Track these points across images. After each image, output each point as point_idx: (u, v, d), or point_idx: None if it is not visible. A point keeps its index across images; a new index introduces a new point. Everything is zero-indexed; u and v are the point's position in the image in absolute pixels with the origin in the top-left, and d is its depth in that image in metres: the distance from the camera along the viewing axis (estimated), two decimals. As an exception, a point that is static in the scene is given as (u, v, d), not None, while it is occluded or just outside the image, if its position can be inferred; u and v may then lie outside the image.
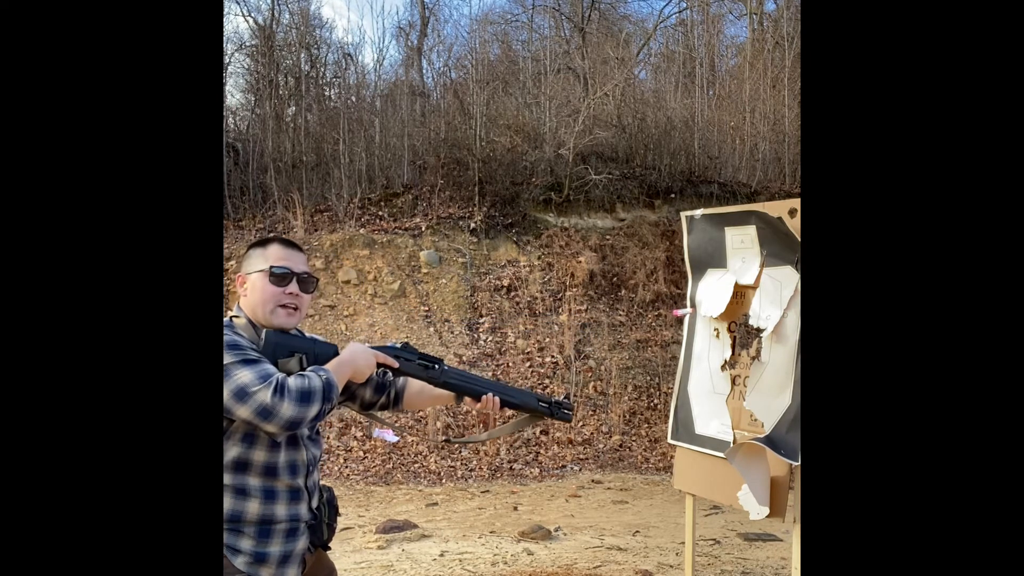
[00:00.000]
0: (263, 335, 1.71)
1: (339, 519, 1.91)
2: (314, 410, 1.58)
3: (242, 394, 1.54)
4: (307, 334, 1.92)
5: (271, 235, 2.17)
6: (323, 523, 1.80)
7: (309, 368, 1.66)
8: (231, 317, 1.77)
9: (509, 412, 2.01)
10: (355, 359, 1.75)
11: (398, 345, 1.89)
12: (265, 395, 1.53)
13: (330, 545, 1.86)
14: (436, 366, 1.90)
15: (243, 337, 1.69)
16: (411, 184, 10.74)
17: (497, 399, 1.94)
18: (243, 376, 1.55)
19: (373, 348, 1.82)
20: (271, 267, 1.74)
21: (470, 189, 10.16)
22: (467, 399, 1.96)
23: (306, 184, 10.69)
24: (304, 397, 1.57)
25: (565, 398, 2.14)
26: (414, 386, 2.02)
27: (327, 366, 1.69)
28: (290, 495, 1.70)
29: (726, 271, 2.90)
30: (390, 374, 1.98)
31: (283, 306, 1.75)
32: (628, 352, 8.96)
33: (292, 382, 1.57)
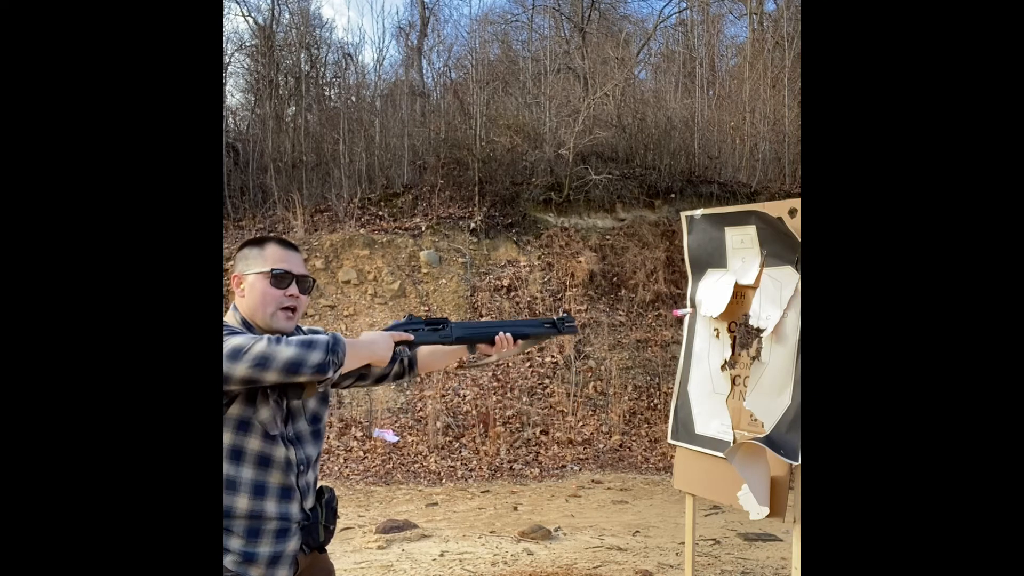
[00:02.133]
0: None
1: (339, 519, 1.89)
2: (317, 356, 1.55)
3: (236, 353, 1.51)
4: (303, 329, 1.92)
5: (267, 235, 2.15)
6: (319, 525, 1.77)
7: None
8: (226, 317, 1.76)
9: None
10: (374, 342, 1.76)
11: (403, 319, 1.96)
12: (261, 345, 1.52)
13: (326, 548, 1.82)
14: (445, 327, 1.98)
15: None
16: (411, 184, 10.74)
17: (510, 336, 2.00)
18: (236, 340, 1.53)
19: (387, 331, 1.86)
20: (272, 269, 1.72)
21: (470, 189, 10.16)
22: (481, 347, 2.02)
23: (306, 184, 10.69)
24: (307, 344, 1.55)
25: (565, 313, 2.19)
26: (424, 349, 2.05)
27: (348, 341, 1.68)
28: (280, 492, 1.68)
29: (726, 271, 2.90)
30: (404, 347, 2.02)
31: (283, 308, 1.74)
32: (628, 352, 8.96)
33: (295, 337, 1.58)
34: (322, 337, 1.59)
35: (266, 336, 1.57)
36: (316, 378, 1.59)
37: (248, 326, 1.74)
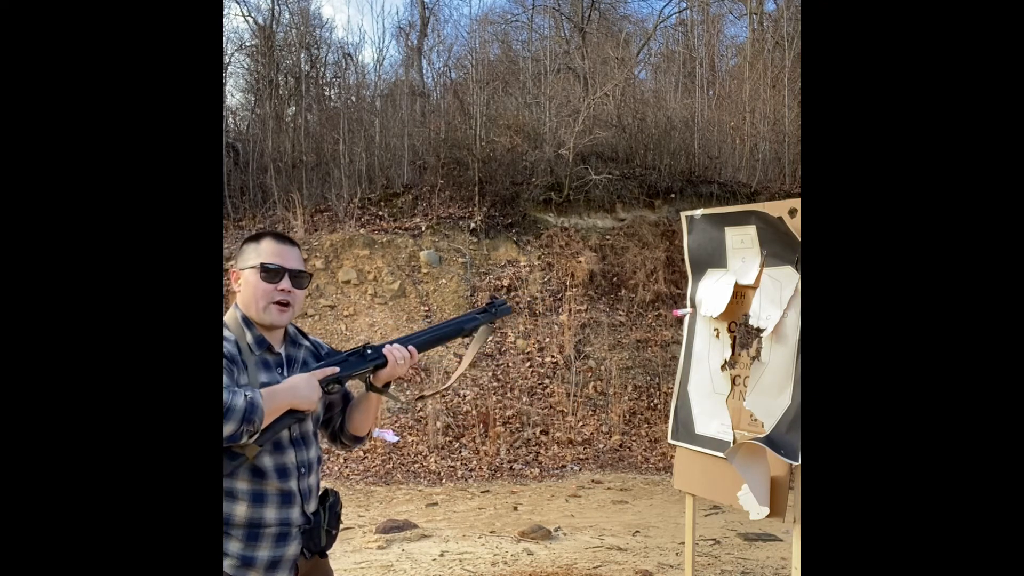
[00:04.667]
0: None
1: (341, 524, 1.87)
2: (228, 428, 1.49)
3: None
4: (310, 337, 1.91)
5: (265, 230, 2.09)
6: (321, 529, 1.75)
7: (245, 387, 1.59)
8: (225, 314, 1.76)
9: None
10: (295, 385, 1.66)
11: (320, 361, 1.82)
12: None
13: (327, 552, 1.80)
14: (369, 350, 1.82)
15: (225, 338, 1.67)
16: (411, 184, 10.74)
17: (403, 350, 1.83)
18: None
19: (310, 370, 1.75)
20: (262, 263, 1.73)
21: (470, 189, 10.16)
22: (379, 374, 1.83)
23: (306, 184, 10.69)
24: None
25: (492, 297, 2.07)
26: (351, 407, 1.93)
27: (265, 391, 1.61)
28: (280, 498, 1.67)
29: (726, 271, 2.90)
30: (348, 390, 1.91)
31: (276, 303, 1.73)
32: (628, 352, 8.96)
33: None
34: (238, 403, 1.51)
35: None
36: (227, 444, 1.54)
37: (248, 323, 1.74)
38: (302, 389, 1.66)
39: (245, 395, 1.53)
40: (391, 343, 1.84)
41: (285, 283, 1.74)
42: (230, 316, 1.76)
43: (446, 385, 2.22)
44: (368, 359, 1.81)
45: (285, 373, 1.75)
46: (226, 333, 1.70)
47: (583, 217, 10.37)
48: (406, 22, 19.86)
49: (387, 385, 1.84)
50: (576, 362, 8.68)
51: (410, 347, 1.84)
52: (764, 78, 12.67)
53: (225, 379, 1.57)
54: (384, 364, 1.80)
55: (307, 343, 1.88)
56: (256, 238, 1.80)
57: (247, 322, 1.74)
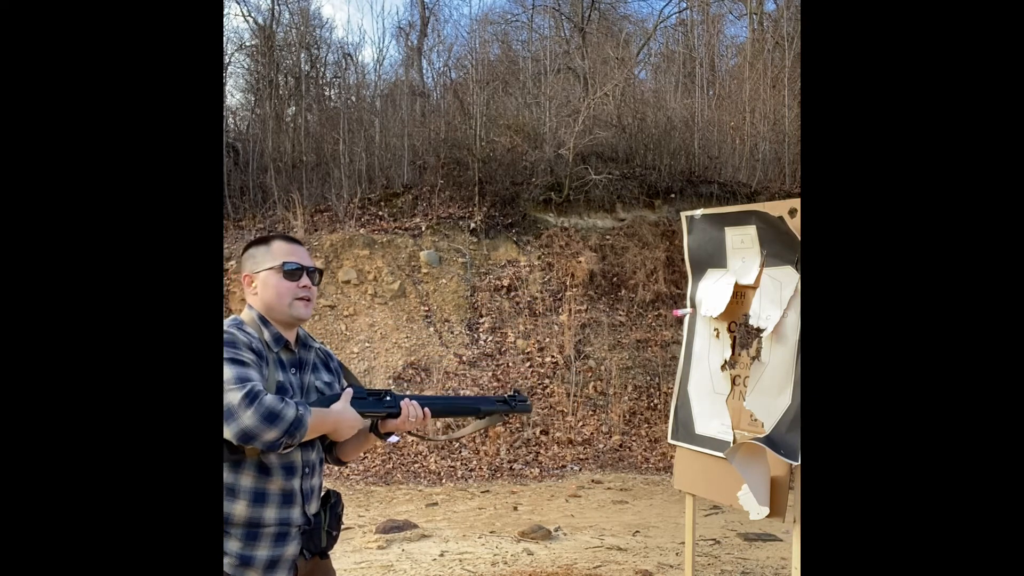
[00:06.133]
0: None
1: (340, 524, 1.87)
2: (273, 434, 1.54)
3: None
4: (317, 342, 1.92)
5: (271, 233, 2.14)
6: (321, 530, 1.76)
7: (298, 400, 1.64)
8: (240, 315, 1.80)
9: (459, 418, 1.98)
10: (344, 420, 1.72)
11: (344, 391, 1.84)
12: (235, 396, 1.52)
13: (328, 553, 1.81)
14: (388, 397, 1.85)
15: (249, 335, 1.70)
16: (411, 184, 10.74)
17: (419, 409, 1.85)
18: (225, 375, 1.54)
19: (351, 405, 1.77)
20: (283, 263, 1.78)
21: (470, 189, 10.16)
22: (387, 423, 1.85)
23: (306, 184, 10.69)
24: (270, 417, 1.54)
25: (516, 392, 2.11)
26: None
27: (316, 411, 1.66)
28: (281, 498, 1.67)
29: (726, 271, 2.90)
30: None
31: (299, 299, 1.78)
32: (628, 352, 8.96)
33: (269, 398, 1.55)
34: (289, 413, 1.56)
35: (248, 386, 1.54)
36: (261, 449, 1.59)
37: (265, 322, 1.77)
38: (347, 425, 1.73)
39: (298, 408, 1.58)
40: (411, 398, 1.86)
41: (305, 280, 1.80)
42: (247, 316, 1.79)
43: (440, 437, 2.24)
44: (384, 405, 1.83)
45: (297, 374, 1.79)
46: (248, 330, 1.73)
47: (583, 217, 10.37)
48: (406, 22, 19.88)
49: (388, 434, 1.87)
50: (576, 362, 8.68)
51: (425, 409, 1.87)
52: (764, 78, 12.67)
53: (255, 374, 1.62)
54: (396, 415, 1.83)
55: (316, 346, 1.90)
56: (265, 241, 1.84)
57: (264, 321, 1.77)
